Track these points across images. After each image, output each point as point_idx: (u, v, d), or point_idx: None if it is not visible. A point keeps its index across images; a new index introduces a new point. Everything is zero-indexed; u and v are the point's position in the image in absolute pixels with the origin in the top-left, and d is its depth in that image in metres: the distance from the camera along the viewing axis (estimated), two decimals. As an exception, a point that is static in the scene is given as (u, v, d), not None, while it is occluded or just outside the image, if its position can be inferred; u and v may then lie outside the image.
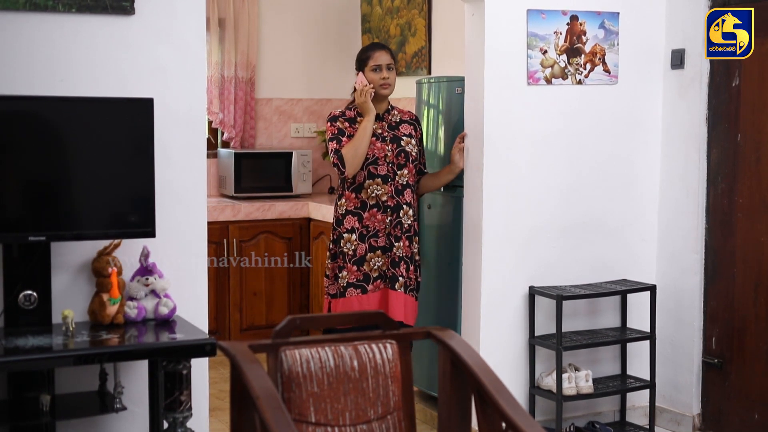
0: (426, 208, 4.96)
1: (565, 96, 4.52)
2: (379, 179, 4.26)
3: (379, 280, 4.27)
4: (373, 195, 4.26)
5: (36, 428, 3.27)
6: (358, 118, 4.30)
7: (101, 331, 3.27)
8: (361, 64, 4.35)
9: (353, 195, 4.28)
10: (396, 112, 4.40)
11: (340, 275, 4.27)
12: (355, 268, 4.25)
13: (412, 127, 4.39)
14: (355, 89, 4.31)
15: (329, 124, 4.33)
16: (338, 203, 4.33)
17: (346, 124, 4.31)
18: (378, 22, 6.52)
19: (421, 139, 4.46)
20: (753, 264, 4.40)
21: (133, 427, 3.56)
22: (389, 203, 4.26)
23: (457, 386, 2.76)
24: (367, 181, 4.26)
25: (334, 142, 4.25)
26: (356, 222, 4.26)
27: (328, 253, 4.36)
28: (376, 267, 4.26)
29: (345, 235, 4.26)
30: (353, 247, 4.25)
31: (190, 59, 3.62)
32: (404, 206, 4.28)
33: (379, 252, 4.26)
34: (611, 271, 4.70)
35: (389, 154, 4.28)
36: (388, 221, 4.25)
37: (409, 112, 4.47)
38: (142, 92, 3.47)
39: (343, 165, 4.21)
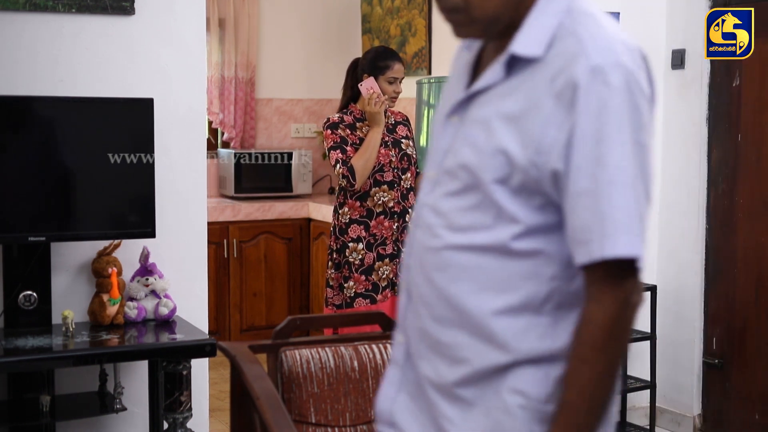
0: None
1: (565, 96, 4.50)
2: (386, 186, 4.10)
3: (387, 289, 4.12)
4: (380, 202, 4.10)
5: (36, 429, 3.27)
6: (358, 124, 4.15)
7: (101, 331, 3.27)
8: (377, 71, 4.15)
9: (358, 203, 4.10)
10: (390, 114, 4.26)
11: (345, 285, 4.10)
12: (363, 277, 4.08)
13: (406, 127, 4.28)
14: (352, 88, 4.19)
15: (329, 131, 4.12)
16: (340, 212, 4.14)
17: (348, 131, 4.12)
18: (378, 22, 6.51)
19: (413, 139, 4.31)
20: (754, 264, 4.40)
21: (133, 428, 3.56)
22: (396, 209, 4.12)
23: (457, 387, 2.76)
24: (373, 189, 4.09)
25: (338, 151, 4.06)
26: (362, 231, 4.09)
27: (330, 263, 4.18)
28: (384, 276, 4.10)
29: (350, 244, 4.08)
30: (360, 257, 4.08)
31: (191, 59, 3.61)
32: (410, 210, 4.14)
33: (386, 260, 4.10)
34: (611, 272, 4.69)
35: (393, 160, 4.13)
36: (395, 227, 4.11)
37: (400, 112, 4.34)
38: (143, 92, 3.47)
39: (354, 178, 4.01)
